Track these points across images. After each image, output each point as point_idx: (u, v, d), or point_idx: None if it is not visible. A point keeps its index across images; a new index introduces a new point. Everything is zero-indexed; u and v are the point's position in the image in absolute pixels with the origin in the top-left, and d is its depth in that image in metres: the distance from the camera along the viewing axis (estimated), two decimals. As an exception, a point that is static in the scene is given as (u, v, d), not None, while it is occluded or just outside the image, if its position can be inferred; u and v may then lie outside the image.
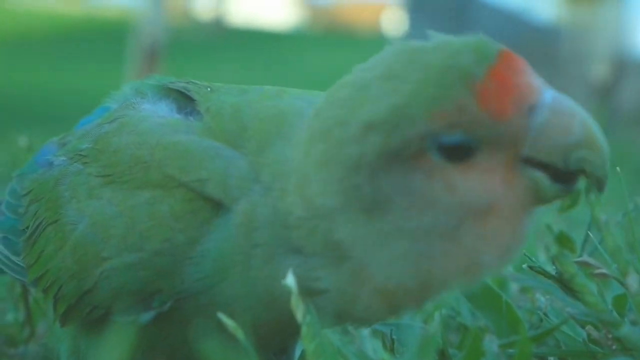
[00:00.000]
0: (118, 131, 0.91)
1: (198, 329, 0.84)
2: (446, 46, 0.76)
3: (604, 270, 0.90)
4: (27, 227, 0.96)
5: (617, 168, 1.01)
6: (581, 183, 0.77)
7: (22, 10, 22.47)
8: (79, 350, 0.91)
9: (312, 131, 0.78)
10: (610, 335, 0.91)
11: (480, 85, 0.72)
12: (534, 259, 1.02)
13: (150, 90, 0.95)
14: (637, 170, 3.83)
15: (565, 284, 0.93)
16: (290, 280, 0.77)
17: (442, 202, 0.74)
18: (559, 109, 0.75)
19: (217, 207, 0.82)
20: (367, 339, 1.04)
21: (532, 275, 0.99)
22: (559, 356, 0.99)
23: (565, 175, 0.76)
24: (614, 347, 0.91)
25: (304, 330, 0.79)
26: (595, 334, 0.93)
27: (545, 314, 1.03)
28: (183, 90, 0.92)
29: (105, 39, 16.90)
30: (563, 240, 1.15)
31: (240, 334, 0.79)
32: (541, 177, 0.75)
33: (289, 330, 0.84)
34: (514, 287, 1.35)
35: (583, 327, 0.95)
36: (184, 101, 0.91)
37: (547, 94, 0.75)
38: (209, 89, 0.92)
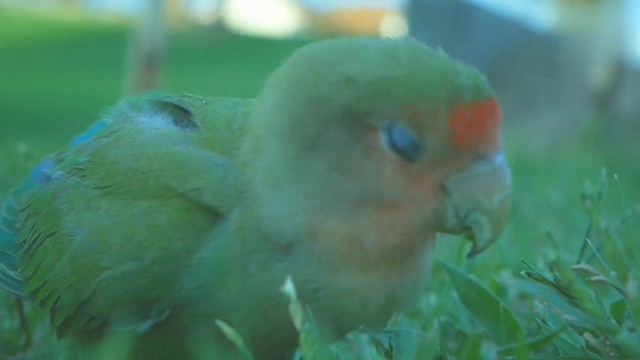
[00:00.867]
0: (115, 144, 0.92)
1: (195, 339, 0.84)
2: (451, 61, 0.80)
3: (601, 277, 0.90)
4: (25, 241, 0.97)
5: (615, 175, 1.01)
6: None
7: (21, 16, 22.48)
8: (77, 362, 0.91)
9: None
10: (608, 342, 0.91)
11: (461, 108, 0.78)
12: (532, 265, 1.02)
13: (146, 104, 0.96)
14: (636, 176, 3.82)
15: (563, 291, 0.93)
16: (288, 286, 0.78)
17: (364, 177, 0.79)
18: (497, 175, 0.80)
19: (215, 216, 0.83)
20: (365, 346, 1.04)
21: (531, 281, 0.99)
22: (557, 363, 0.99)
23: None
24: (611, 354, 0.91)
25: (302, 337, 0.79)
26: (593, 340, 0.93)
27: (543, 321, 1.03)
28: (178, 104, 0.93)
29: (105, 44, 16.90)
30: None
31: (239, 341, 0.80)
32: (449, 207, 0.80)
33: (288, 341, 0.84)
34: (512, 293, 1.35)
35: (581, 333, 0.95)
36: (180, 114, 0.93)
37: (500, 158, 0.80)
38: (203, 102, 0.94)
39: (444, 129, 0.78)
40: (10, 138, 3.52)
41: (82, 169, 0.93)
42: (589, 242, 1.09)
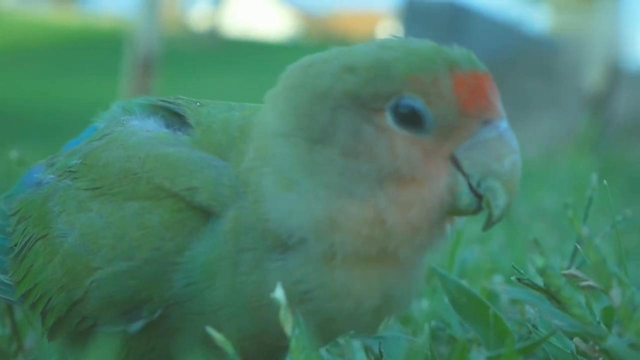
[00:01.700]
0: (107, 146, 0.92)
1: (184, 341, 0.84)
2: (440, 45, 0.83)
3: (590, 283, 0.91)
4: (16, 245, 0.97)
5: (605, 181, 1.02)
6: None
7: (16, 20, 22.47)
8: (68, 363, 0.92)
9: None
10: (597, 347, 0.92)
11: (461, 76, 0.80)
12: (523, 271, 1.02)
13: (138, 108, 0.97)
14: (631, 180, 3.83)
15: (553, 296, 0.93)
16: (279, 293, 0.78)
17: (378, 157, 0.80)
18: (504, 139, 0.81)
19: (206, 215, 0.83)
20: (357, 351, 1.04)
21: (521, 287, 1.00)
22: (547, 368, 0.99)
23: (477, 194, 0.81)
24: (600, 359, 0.92)
25: (293, 343, 0.79)
26: (583, 345, 0.93)
27: (534, 326, 1.03)
28: (171, 107, 0.94)
29: (100, 48, 16.91)
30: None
31: (228, 347, 0.80)
32: (462, 180, 0.81)
33: (275, 344, 0.85)
34: (504, 298, 1.36)
35: (571, 338, 0.95)
36: (172, 118, 0.93)
37: (504, 123, 0.81)
38: (198, 104, 0.94)
39: (449, 95, 0.79)
40: (4, 143, 3.52)
41: (73, 172, 0.93)
42: (579, 248, 1.09)
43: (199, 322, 0.82)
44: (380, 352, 0.98)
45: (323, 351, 0.87)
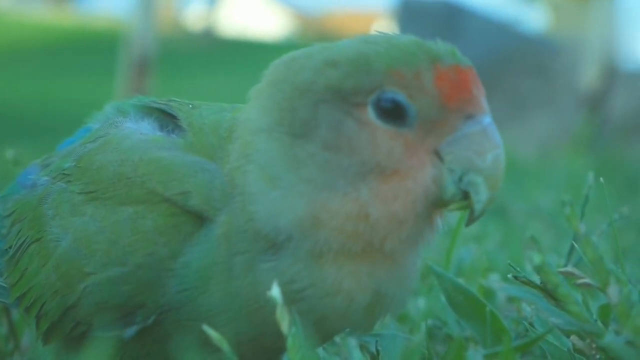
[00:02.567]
0: (101, 149, 0.92)
1: (179, 345, 0.84)
2: (422, 39, 0.83)
3: (587, 280, 0.90)
4: (11, 247, 0.96)
5: (601, 179, 1.02)
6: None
7: (12, 20, 22.43)
8: (62, 368, 0.91)
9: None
10: (594, 345, 0.92)
11: (443, 70, 0.80)
12: (520, 269, 1.02)
13: (132, 109, 0.96)
14: (627, 179, 3.83)
15: (550, 294, 0.93)
16: (275, 291, 0.78)
17: (360, 151, 0.80)
18: (487, 134, 0.81)
19: (200, 220, 0.83)
20: (353, 350, 1.04)
21: (518, 285, 1.00)
22: (544, 365, 0.99)
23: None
24: (598, 356, 0.92)
25: (289, 342, 0.79)
26: (579, 343, 0.93)
27: (531, 324, 1.03)
28: (165, 109, 0.94)
29: (96, 49, 16.88)
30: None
31: (224, 345, 0.80)
32: (445, 173, 0.80)
33: (273, 347, 0.84)
34: (501, 296, 1.36)
35: (568, 336, 0.95)
36: (166, 120, 0.93)
37: (488, 118, 0.81)
38: (190, 106, 0.94)
39: (431, 89, 0.79)
40: (0, 142, 3.51)
41: (67, 175, 0.93)
42: (576, 245, 1.09)
43: (194, 328, 0.82)
44: (377, 351, 0.97)
45: (319, 350, 0.87)
